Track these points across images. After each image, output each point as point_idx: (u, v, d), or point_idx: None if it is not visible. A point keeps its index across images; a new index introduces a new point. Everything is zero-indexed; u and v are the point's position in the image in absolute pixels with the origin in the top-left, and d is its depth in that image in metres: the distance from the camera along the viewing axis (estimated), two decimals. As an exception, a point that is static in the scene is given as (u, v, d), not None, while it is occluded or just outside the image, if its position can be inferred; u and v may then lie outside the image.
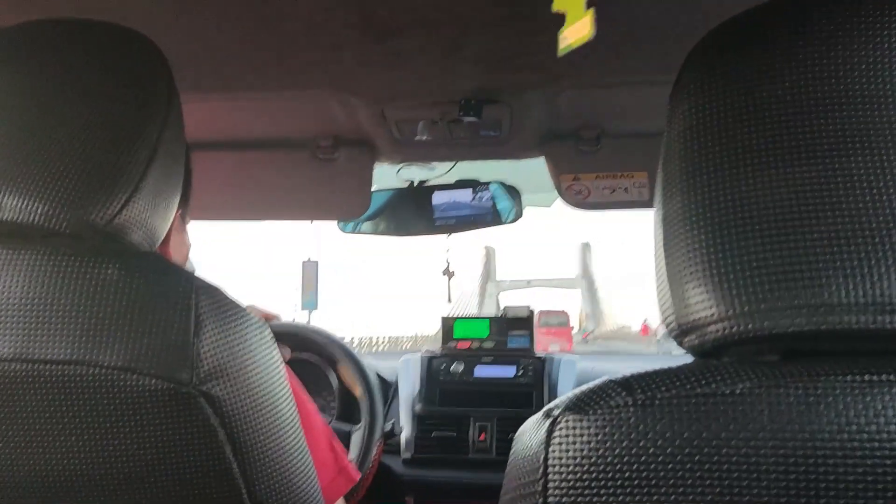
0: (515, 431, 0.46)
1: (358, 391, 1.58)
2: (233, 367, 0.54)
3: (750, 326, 0.40)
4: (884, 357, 0.39)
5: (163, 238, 0.63)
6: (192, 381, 0.52)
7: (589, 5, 0.50)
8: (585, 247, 72.57)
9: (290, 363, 1.58)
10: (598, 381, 0.42)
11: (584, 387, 0.42)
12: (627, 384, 0.41)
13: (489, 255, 65.66)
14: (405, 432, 1.66)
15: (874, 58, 0.42)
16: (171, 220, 0.64)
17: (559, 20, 0.83)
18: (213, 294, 0.55)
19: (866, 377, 0.37)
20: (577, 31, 0.51)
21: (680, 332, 0.44)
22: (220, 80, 1.04)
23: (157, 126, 0.59)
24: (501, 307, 2.04)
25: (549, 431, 0.41)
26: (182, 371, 0.52)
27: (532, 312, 1.86)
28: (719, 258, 0.41)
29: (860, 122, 0.41)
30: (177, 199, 0.64)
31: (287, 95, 1.10)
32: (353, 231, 1.58)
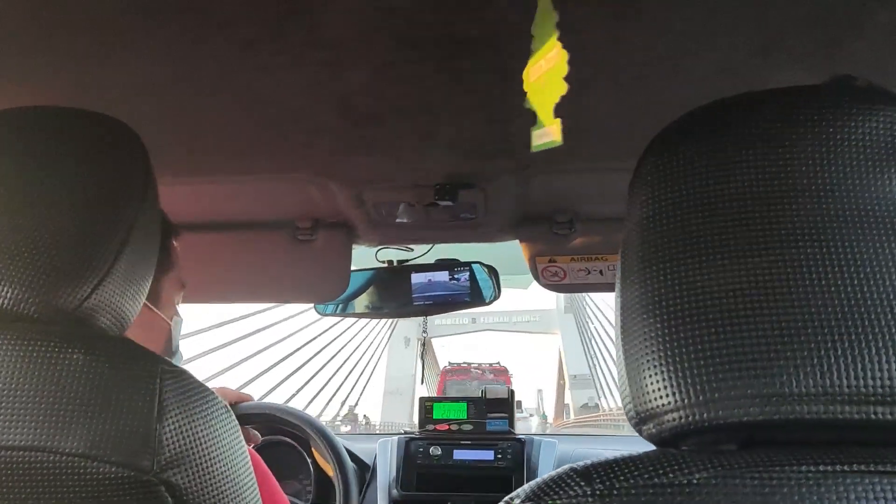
0: None
1: (332, 472, 1.54)
2: (196, 454, 0.53)
3: (705, 416, 0.40)
4: (837, 447, 0.39)
5: (132, 321, 0.63)
6: (154, 468, 0.51)
7: (556, 113, 0.53)
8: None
9: (264, 446, 1.55)
10: (559, 470, 0.42)
11: (546, 476, 0.42)
12: (587, 473, 0.41)
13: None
14: None
15: (819, 152, 0.43)
16: (142, 302, 0.64)
17: (528, 109, 0.87)
18: (178, 377, 0.55)
19: (820, 468, 0.38)
20: (547, 135, 0.54)
21: (639, 420, 0.44)
22: (200, 165, 1.05)
23: (131, 212, 0.60)
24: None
25: None
26: (143, 458, 0.51)
27: (512, 393, 1.85)
28: (675, 347, 0.42)
29: (808, 214, 0.42)
30: (148, 283, 0.64)
31: (265, 178, 1.12)
32: (332, 313, 1.56)
